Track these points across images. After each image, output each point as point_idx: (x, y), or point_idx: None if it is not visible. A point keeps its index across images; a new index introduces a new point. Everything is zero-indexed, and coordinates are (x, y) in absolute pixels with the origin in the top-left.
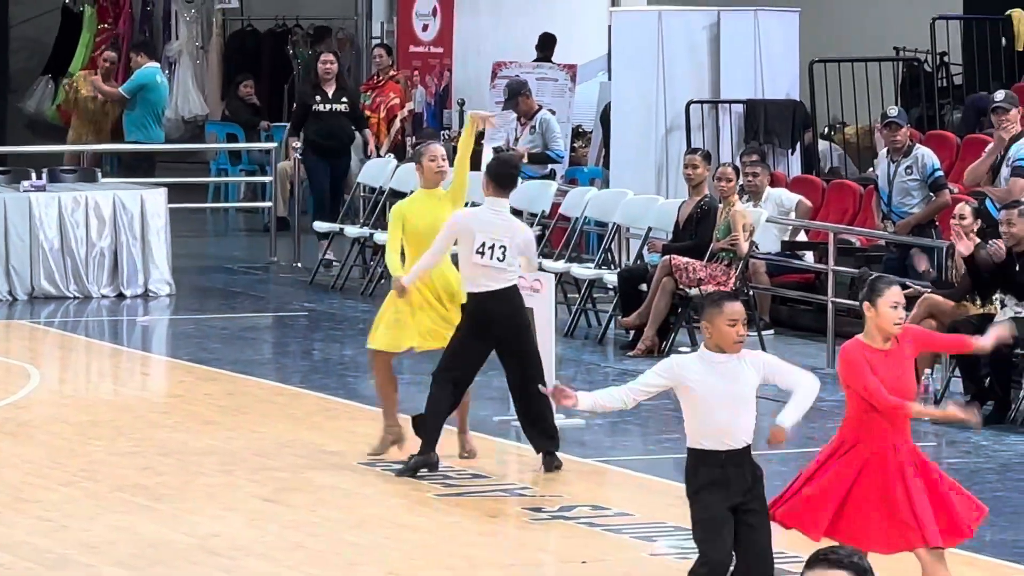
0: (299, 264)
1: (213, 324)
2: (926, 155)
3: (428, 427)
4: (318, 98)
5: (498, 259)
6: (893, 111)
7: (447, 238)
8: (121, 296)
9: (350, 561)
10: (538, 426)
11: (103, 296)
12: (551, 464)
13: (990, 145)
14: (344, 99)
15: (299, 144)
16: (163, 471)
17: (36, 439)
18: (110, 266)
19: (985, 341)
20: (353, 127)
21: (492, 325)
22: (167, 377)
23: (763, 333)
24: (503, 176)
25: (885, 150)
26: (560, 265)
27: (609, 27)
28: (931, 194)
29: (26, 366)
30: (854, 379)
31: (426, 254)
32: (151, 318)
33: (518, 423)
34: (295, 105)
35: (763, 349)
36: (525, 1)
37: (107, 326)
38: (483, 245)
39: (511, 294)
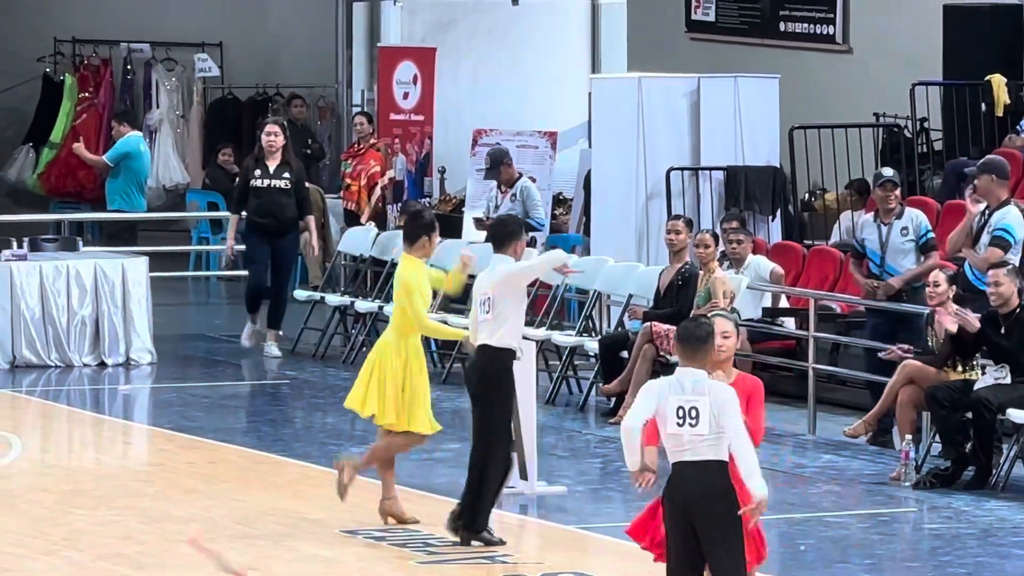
0: (281, 332)
1: (194, 392)
2: (919, 216)
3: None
4: (258, 172)
5: (485, 312)
6: (888, 171)
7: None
8: (103, 365)
9: None
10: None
11: (84, 365)
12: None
13: (968, 215)
14: (286, 175)
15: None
16: (144, 539)
17: (18, 508)
18: (91, 335)
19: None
20: (296, 207)
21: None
22: (148, 445)
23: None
24: (497, 235)
25: (871, 214)
26: (541, 332)
27: (589, 94)
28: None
29: (7, 435)
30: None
31: None
32: (132, 387)
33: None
34: (236, 179)
35: None
36: (505, 69)
37: (88, 395)
38: (480, 300)
39: (488, 350)
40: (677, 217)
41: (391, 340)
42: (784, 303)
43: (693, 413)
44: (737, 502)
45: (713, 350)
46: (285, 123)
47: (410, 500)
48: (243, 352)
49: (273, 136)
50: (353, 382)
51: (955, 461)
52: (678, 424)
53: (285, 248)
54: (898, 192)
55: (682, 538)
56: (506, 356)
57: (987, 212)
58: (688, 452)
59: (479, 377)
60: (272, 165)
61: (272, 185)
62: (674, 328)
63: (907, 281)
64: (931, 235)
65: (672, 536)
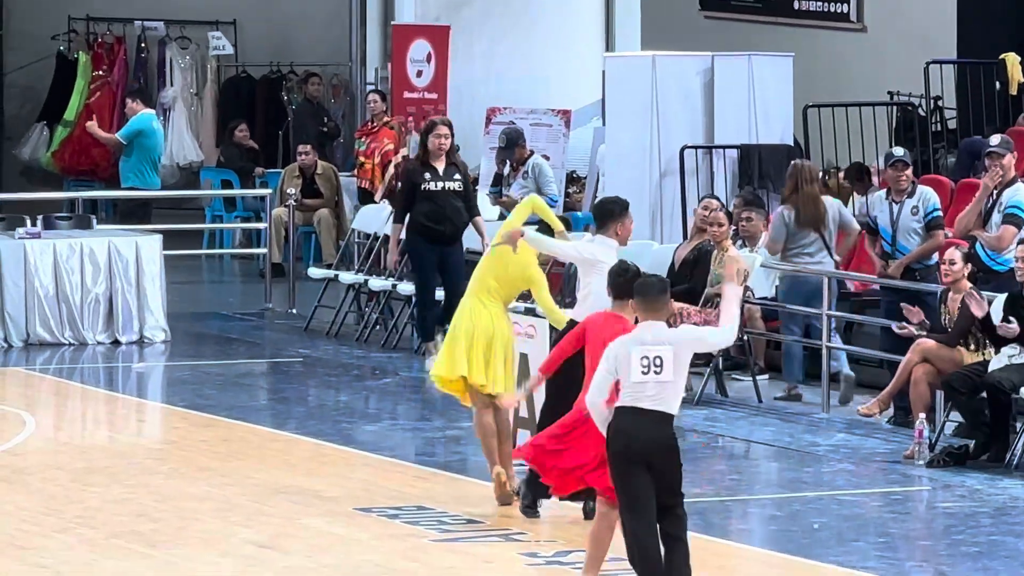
0: (294, 310)
1: (208, 370)
2: (929, 194)
3: None
4: (427, 175)
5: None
6: (898, 151)
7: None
8: (116, 343)
9: None
10: None
11: (98, 343)
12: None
13: (979, 192)
14: (456, 176)
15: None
16: (158, 517)
17: (31, 486)
18: (105, 313)
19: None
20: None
21: None
22: (162, 423)
23: (758, 378)
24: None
25: (883, 192)
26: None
27: (603, 72)
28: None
29: (21, 413)
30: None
31: None
32: (146, 365)
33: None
34: (400, 184)
35: (758, 394)
36: (519, 47)
37: (102, 373)
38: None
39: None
40: (710, 196)
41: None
42: None
43: (658, 362)
44: None
45: (670, 303)
46: (451, 123)
47: (424, 478)
48: (257, 330)
49: (443, 138)
50: (365, 359)
51: (981, 444)
52: (643, 373)
53: (454, 253)
54: (909, 171)
55: (637, 471)
56: None
57: (995, 191)
58: (648, 400)
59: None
60: (440, 167)
61: (445, 188)
62: (688, 306)
63: (909, 262)
64: (937, 213)
65: (632, 474)
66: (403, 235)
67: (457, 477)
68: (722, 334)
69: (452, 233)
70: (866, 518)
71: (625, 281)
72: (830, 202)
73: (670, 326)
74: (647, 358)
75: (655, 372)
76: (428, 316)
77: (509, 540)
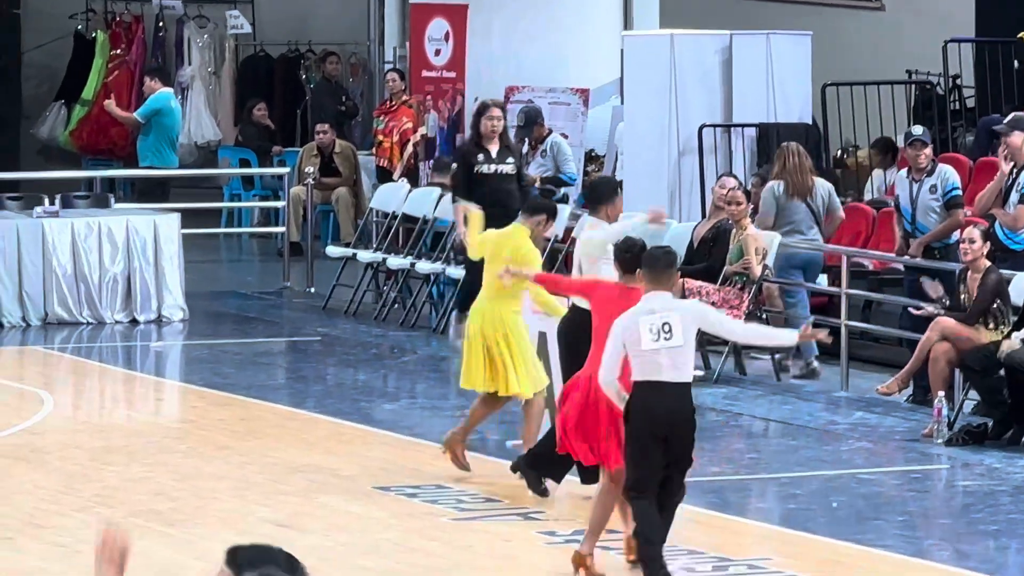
0: (312, 289)
1: (226, 349)
2: (948, 173)
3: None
4: (481, 157)
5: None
6: (917, 130)
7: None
8: (134, 322)
9: None
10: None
11: (116, 322)
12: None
13: (999, 174)
14: (510, 159)
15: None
16: (177, 496)
17: (50, 465)
18: (123, 292)
19: None
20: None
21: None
22: (180, 402)
23: (776, 356)
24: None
25: (904, 171)
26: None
27: (621, 51)
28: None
29: (40, 392)
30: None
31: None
32: (164, 343)
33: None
34: (455, 165)
35: (776, 373)
36: (537, 25)
37: (120, 351)
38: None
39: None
40: (728, 174)
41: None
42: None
43: (666, 328)
44: None
45: (676, 276)
46: (504, 105)
47: (442, 456)
48: (275, 309)
49: (496, 120)
50: (384, 338)
51: (999, 421)
52: (653, 340)
53: None
54: (928, 151)
55: (653, 448)
56: None
57: (1015, 171)
58: (666, 371)
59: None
60: (494, 150)
61: (498, 171)
62: (707, 284)
63: (929, 241)
64: (956, 192)
65: (644, 445)
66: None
67: (475, 456)
68: (735, 328)
69: (505, 217)
70: (885, 496)
71: (632, 256)
72: (822, 183)
73: None
74: (655, 325)
75: (664, 338)
76: (471, 295)
77: (527, 519)
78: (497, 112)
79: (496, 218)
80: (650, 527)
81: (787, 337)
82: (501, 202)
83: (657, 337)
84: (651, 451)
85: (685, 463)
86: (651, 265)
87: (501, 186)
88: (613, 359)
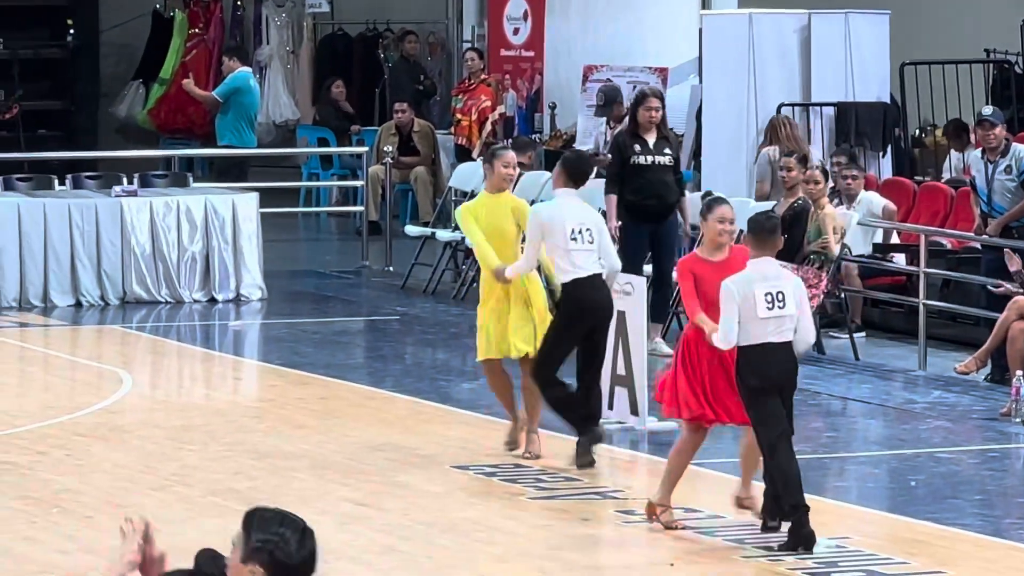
0: (391, 268)
1: (305, 328)
2: (1023, 153)
3: (570, 418)
4: (637, 148)
5: (588, 242)
6: (987, 110)
7: (538, 238)
8: (213, 301)
9: (442, 564)
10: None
11: (195, 301)
12: (584, 456)
13: None
14: (667, 150)
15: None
16: (255, 475)
17: (129, 444)
18: (202, 271)
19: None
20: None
21: (588, 311)
22: (259, 381)
23: (855, 335)
24: (578, 171)
25: (980, 151)
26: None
27: (700, 30)
28: None
29: (118, 371)
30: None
31: (524, 258)
32: (243, 322)
33: (611, 427)
34: (609, 156)
35: (855, 352)
36: (616, 5)
37: (199, 330)
38: (574, 231)
39: (602, 281)
40: (790, 154)
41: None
42: (895, 239)
43: (780, 297)
44: None
45: (779, 239)
46: (662, 93)
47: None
48: (354, 288)
49: (654, 110)
50: (463, 317)
51: None
52: (768, 308)
53: (667, 232)
54: (998, 131)
55: (775, 402)
56: None
57: None
58: (774, 334)
59: (607, 298)
60: (651, 140)
61: (656, 162)
62: (785, 264)
63: (1006, 222)
64: None
65: (768, 400)
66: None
67: (555, 435)
68: (809, 336)
69: (661, 210)
70: (963, 475)
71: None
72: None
73: None
74: (771, 294)
75: (779, 307)
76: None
77: (606, 498)
78: (655, 102)
79: (652, 210)
80: (786, 475)
81: None
82: (658, 194)
83: (772, 306)
84: (770, 401)
85: (791, 411)
86: (756, 231)
87: (658, 177)
88: (731, 325)
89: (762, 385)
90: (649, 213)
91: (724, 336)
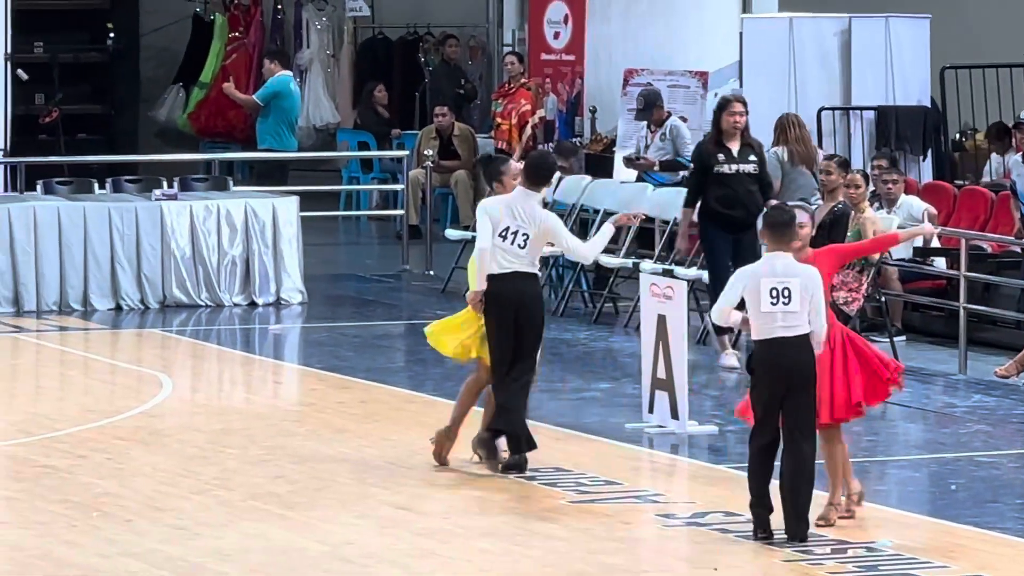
0: (431, 272)
1: (345, 332)
2: None
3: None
4: (721, 157)
5: (519, 246)
6: None
7: (486, 227)
8: (253, 304)
9: (482, 568)
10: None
11: (235, 304)
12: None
13: None
14: (752, 157)
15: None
16: (296, 479)
17: (169, 447)
18: (242, 274)
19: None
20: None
21: (503, 306)
22: (299, 385)
23: (895, 339)
24: (537, 173)
25: (1020, 154)
26: (692, 272)
27: (740, 34)
28: None
29: (158, 375)
30: None
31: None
32: (283, 326)
33: (651, 430)
34: (692, 164)
35: (895, 355)
36: (656, 9)
37: (239, 334)
38: (508, 229)
39: (522, 276)
40: (830, 157)
41: None
42: (935, 243)
43: (786, 293)
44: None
45: (795, 234)
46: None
47: (561, 439)
48: (394, 292)
49: (739, 116)
50: None
51: None
52: (771, 304)
53: (750, 243)
54: None
55: (777, 398)
56: None
57: None
58: (783, 328)
59: (527, 299)
60: (735, 148)
61: (740, 171)
62: None
63: None
64: None
65: (770, 396)
66: (695, 218)
67: (594, 439)
68: (818, 330)
69: (746, 219)
70: (1003, 479)
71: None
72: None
73: None
74: (776, 289)
75: (783, 303)
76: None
77: (646, 502)
78: (739, 107)
79: (737, 222)
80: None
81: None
82: (743, 203)
83: (776, 301)
84: (772, 399)
85: (807, 403)
86: (772, 225)
87: (742, 187)
88: (731, 298)
89: (769, 376)
90: (734, 224)
91: (716, 309)
